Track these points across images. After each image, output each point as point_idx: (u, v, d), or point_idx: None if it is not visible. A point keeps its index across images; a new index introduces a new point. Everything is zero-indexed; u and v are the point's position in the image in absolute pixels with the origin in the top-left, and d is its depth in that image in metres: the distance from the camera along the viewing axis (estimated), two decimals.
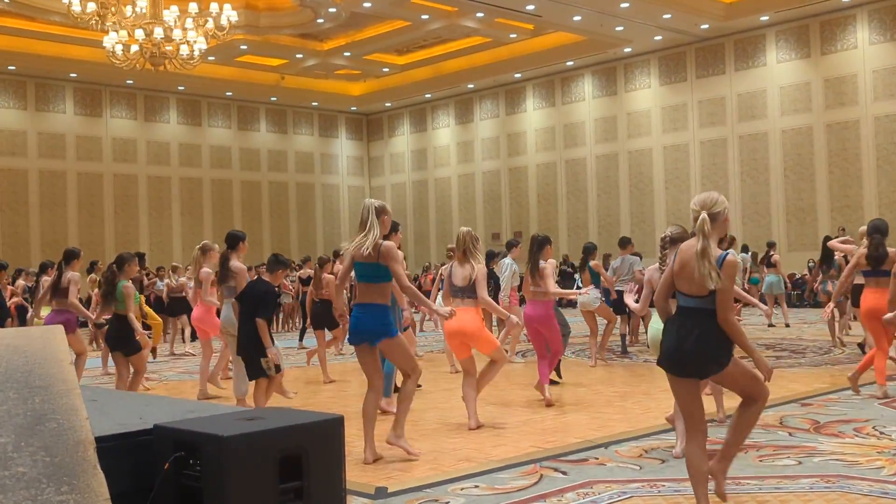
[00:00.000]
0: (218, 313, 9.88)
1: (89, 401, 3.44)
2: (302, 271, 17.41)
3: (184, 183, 31.03)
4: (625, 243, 13.40)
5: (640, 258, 14.04)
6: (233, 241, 8.80)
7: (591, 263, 12.25)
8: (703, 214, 4.29)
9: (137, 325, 8.82)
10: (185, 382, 11.26)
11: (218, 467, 3.18)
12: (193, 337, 17.03)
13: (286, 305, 20.01)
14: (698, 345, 4.22)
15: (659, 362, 4.46)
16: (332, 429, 3.58)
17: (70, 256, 9.93)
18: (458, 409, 7.66)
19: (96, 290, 13.38)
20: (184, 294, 15.83)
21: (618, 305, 12.29)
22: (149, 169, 30.22)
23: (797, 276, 22.98)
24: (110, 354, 9.45)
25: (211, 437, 3.21)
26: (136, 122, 30.08)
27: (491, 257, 13.24)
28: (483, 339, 7.36)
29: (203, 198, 31.52)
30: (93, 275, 14.72)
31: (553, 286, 8.71)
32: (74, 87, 28.68)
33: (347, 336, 6.32)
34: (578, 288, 12.55)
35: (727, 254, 4.29)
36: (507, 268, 12.16)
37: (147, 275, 19.99)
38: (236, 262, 8.66)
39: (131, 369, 8.68)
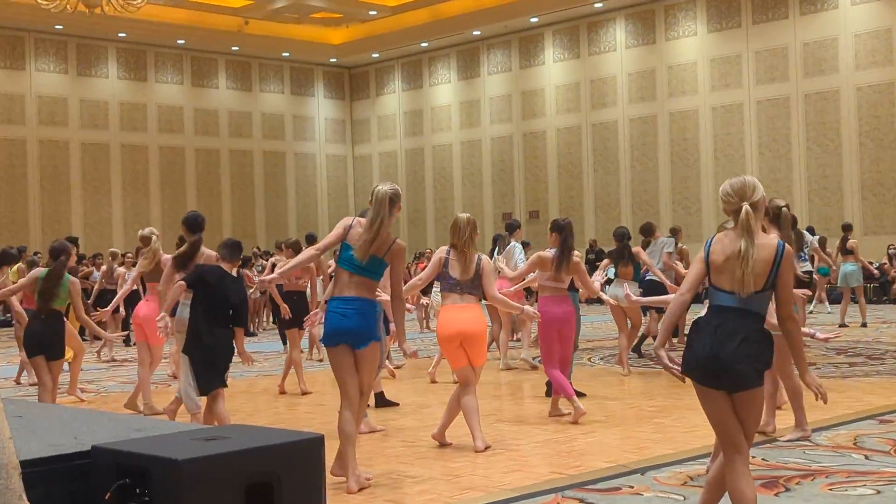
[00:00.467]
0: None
1: (13, 417, 3.44)
2: (276, 258, 17.36)
3: (126, 151, 31.01)
4: (649, 231, 13.45)
5: (677, 242, 14.08)
6: (202, 223, 8.80)
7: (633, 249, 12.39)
8: (746, 207, 4.31)
9: (95, 328, 8.94)
10: (128, 394, 11.27)
11: (171, 498, 3.18)
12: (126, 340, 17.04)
13: (255, 301, 20.07)
14: (740, 351, 4.24)
15: (687, 370, 4.45)
16: (309, 451, 3.58)
17: (5, 259, 10.02)
18: (462, 427, 7.67)
19: (20, 280, 13.37)
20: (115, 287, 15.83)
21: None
22: (82, 134, 30.20)
23: (874, 265, 22.96)
24: (28, 360, 9.50)
25: (162, 462, 3.21)
26: (67, 76, 30.03)
27: (496, 243, 13.44)
28: (482, 347, 7.48)
29: (149, 169, 31.51)
30: (20, 264, 14.72)
31: (593, 285, 8.93)
32: None
33: (322, 336, 6.34)
34: (610, 280, 12.58)
35: (783, 244, 4.33)
36: (518, 252, 12.40)
37: (82, 263, 20.01)
38: (208, 250, 8.64)
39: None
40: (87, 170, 30.25)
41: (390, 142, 35.51)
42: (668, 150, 28.54)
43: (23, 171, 29.10)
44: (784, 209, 7.25)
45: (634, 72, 29.16)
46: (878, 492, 5.65)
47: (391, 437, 8.03)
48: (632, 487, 5.93)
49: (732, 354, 4.25)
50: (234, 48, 32.40)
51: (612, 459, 6.77)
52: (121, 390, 11.80)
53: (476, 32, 31.56)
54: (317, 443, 3.62)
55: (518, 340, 13.95)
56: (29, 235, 27.93)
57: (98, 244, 27.46)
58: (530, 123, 31.61)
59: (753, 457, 5.79)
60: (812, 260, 16.34)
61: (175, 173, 32.05)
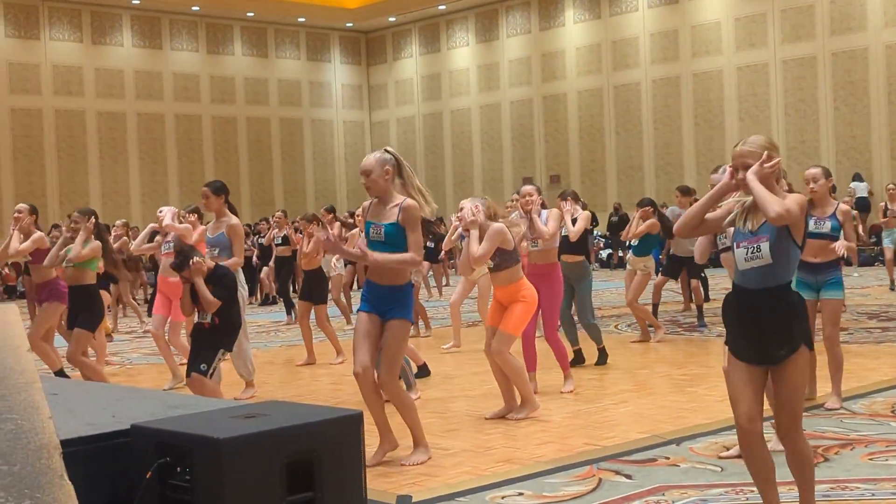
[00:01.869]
0: None
1: (49, 395, 3.45)
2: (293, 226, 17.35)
3: (142, 120, 31.02)
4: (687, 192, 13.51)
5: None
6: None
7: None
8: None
9: None
10: (153, 367, 11.33)
11: (212, 476, 3.19)
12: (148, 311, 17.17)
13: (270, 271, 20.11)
14: None
15: None
16: (349, 428, 3.58)
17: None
18: (492, 398, 7.69)
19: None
20: (139, 257, 15.84)
21: (672, 267, 12.75)
22: (98, 103, 30.21)
23: None
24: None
25: (203, 440, 3.21)
26: (82, 45, 30.01)
27: None
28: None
29: (166, 137, 31.53)
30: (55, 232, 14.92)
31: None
32: (4, 3, 28.59)
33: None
34: (630, 247, 12.53)
35: None
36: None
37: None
38: (233, 218, 8.64)
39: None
40: (103, 139, 30.30)
41: (408, 107, 35.39)
42: (691, 112, 28.34)
43: (39, 141, 29.16)
44: None
45: (657, 32, 28.91)
46: None
47: (420, 408, 8.03)
48: (668, 458, 5.91)
49: None
50: (249, 14, 32.29)
51: (647, 430, 6.75)
52: (146, 362, 11.86)
53: None
54: (356, 419, 3.62)
55: None
56: (46, 206, 28.01)
57: (116, 214, 27.48)
58: (550, 86, 31.44)
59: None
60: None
61: (192, 142, 32.06)
